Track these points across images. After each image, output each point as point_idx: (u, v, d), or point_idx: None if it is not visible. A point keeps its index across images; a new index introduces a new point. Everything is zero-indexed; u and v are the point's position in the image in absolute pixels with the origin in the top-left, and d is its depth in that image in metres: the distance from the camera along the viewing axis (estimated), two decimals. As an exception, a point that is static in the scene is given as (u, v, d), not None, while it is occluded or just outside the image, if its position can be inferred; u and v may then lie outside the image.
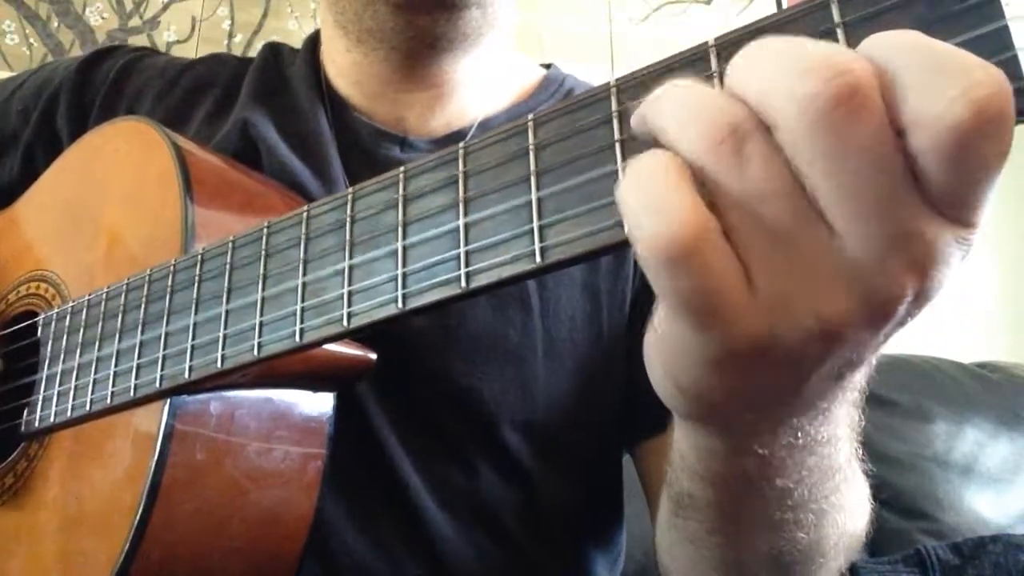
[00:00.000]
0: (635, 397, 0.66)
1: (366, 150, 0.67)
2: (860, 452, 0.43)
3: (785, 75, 0.23)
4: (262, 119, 0.67)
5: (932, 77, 0.22)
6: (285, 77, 0.73)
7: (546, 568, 0.65)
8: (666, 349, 0.29)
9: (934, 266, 0.24)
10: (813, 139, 0.23)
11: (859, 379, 0.32)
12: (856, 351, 0.27)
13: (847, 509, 0.44)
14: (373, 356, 0.55)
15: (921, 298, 0.25)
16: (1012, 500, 1.30)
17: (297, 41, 0.78)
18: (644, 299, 0.67)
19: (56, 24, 1.67)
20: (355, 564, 0.59)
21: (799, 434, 0.33)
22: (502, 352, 0.62)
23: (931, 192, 0.24)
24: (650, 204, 0.24)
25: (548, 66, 0.77)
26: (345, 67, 0.70)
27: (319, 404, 0.53)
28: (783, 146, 0.24)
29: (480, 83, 0.70)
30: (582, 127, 0.30)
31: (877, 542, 1.19)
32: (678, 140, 0.25)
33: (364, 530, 0.59)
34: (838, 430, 0.36)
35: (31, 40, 1.66)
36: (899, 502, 1.24)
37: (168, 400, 0.46)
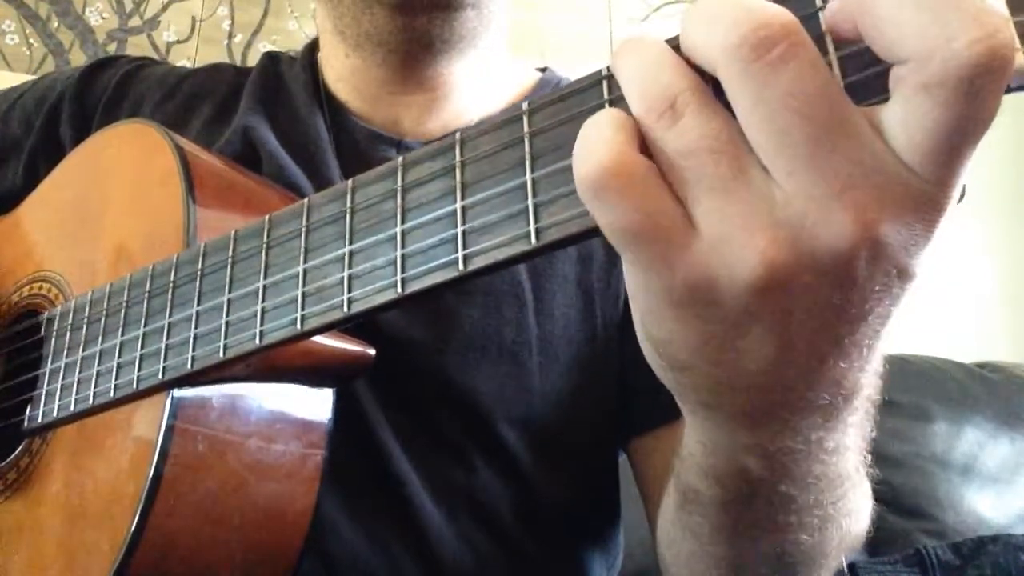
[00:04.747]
0: (630, 394, 0.66)
1: (363, 154, 0.68)
2: (868, 459, 0.42)
3: (718, 28, 0.25)
4: (262, 125, 0.68)
5: (952, 13, 0.23)
6: (284, 83, 0.73)
7: (543, 566, 0.65)
8: (634, 298, 0.30)
9: (886, 220, 0.25)
10: (743, 87, 0.25)
11: (861, 381, 0.31)
12: (819, 318, 0.27)
13: (852, 513, 0.44)
14: (372, 351, 0.56)
15: (883, 260, 0.25)
16: (1012, 500, 1.30)
17: (297, 41, 0.79)
18: None
19: (56, 24, 1.68)
20: (352, 560, 0.59)
21: (799, 438, 0.33)
22: (497, 349, 0.63)
23: (904, 136, 0.24)
24: (583, 146, 0.27)
25: (544, 69, 0.78)
26: (343, 72, 0.71)
27: (319, 399, 0.54)
28: (728, 94, 0.26)
29: (476, 85, 0.70)
30: (575, 113, 0.31)
31: (877, 542, 1.18)
32: (633, 107, 0.28)
33: (361, 527, 0.60)
34: (845, 439, 0.35)
35: (31, 40, 1.67)
36: (899, 502, 1.24)
37: (170, 392, 0.46)
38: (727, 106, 0.26)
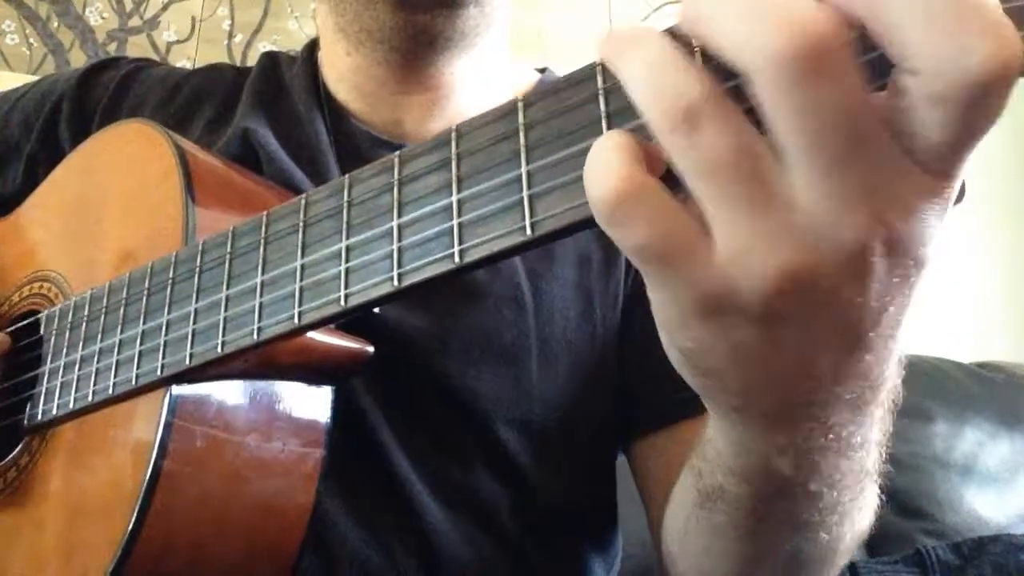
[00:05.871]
0: (629, 396, 0.66)
1: (364, 157, 0.68)
2: (884, 455, 0.42)
3: (758, 29, 0.24)
4: (262, 127, 0.68)
5: (965, 28, 0.22)
6: (284, 84, 0.73)
7: (542, 565, 0.65)
8: (657, 311, 0.30)
9: (902, 218, 0.25)
10: (781, 94, 0.24)
11: (885, 372, 0.31)
12: (845, 314, 0.27)
13: (864, 509, 0.44)
14: (370, 349, 0.56)
15: (898, 252, 0.26)
16: (1012, 500, 1.30)
17: (297, 42, 0.79)
18: (636, 299, 0.68)
19: (56, 24, 1.68)
20: (352, 557, 0.59)
21: (831, 435, 0.33)
22: (497, 352, 0.63)
23: (915, 140, 0.24)
24: (593, 173, 0.27)
25: (543, 70, 0.78)
26: (344, 72, 0.71)
27: (318, 397, 0.54)
28: (757, 101, 0.25)
29: (476, 85, 0.70)
30: (570, 105, 0.31)
31: (877, 542, 1.19)
32: (645, 111, 0.27)
33: (361, 524, 0.60)
34: (871, 434, 0.35)
35: (31, 40, 1.67)
36: (899, 502, 1.24)
37: (169, 388, 0.46)
38: (742, 111, 0.26)
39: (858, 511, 0.43)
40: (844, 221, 0.25)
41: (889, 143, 0.25)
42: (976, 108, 0.23)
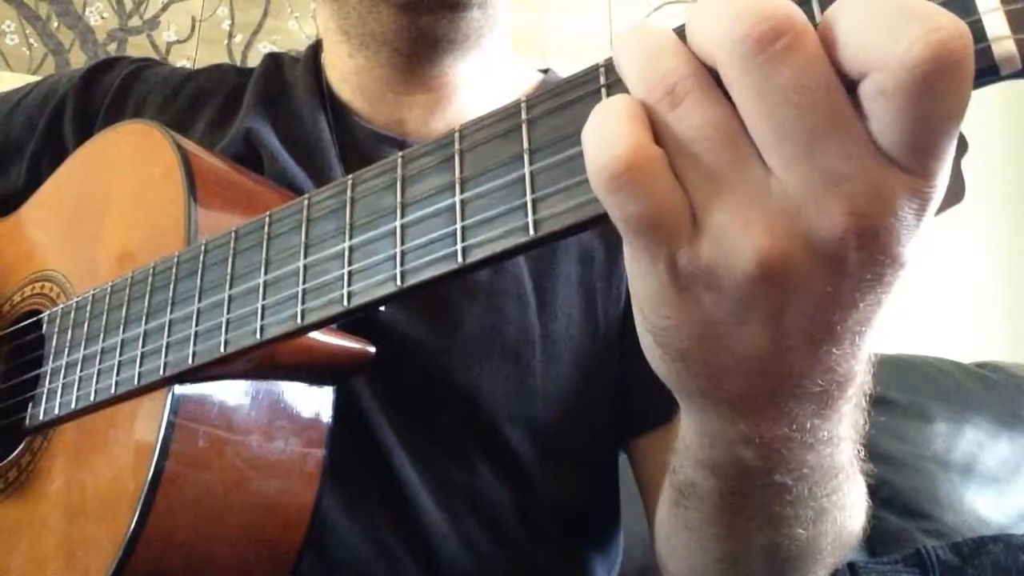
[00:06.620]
0: (630, 393, 0.66)
1: (366, 155, 0.68)
2: (862, 452, 0.43)
3: (722, 22, 0.25)
4: (264, 127, 0.68)
5: (894, 20, 0.23)
6: (287, 85, 0.73)
7: (543, 566, 0.65)
8: (635, 287, 0.31)
9: (877, 211, 0.25)
10: (745, 80, 0.25)
11: (854, 368, 0.31)
12: (815, 305, 0.28)
13: (847, 507, 0.44)
14: (372, 349, 0.56)
15: (873, 248, 0.26)
16: (1012, 500, 1.30)
17: (297, 41, 0.79)
18: None
19: (56, 24, 1.68)
20: (352, 559, 0.59)
21: (794, 426, 0.33)
22: (500, 350, 0.63)
23: (881, 136, 0.25)
24: (600, 137, 0.27)
25: (546, 71, 0.78)
26: (347, 72, 0.71)
27: (319, 397, 0.54)
28: (729, 88, 0.26)
29: (479, 86, 0.70)
30: (572, 105, 0.31)
31: (877, 542, 1.19)
32: (632, 89, 0.28)
33: (361, 526, 0.60)
34: (839, 429, 0.36)
35: (31, 40, 1.67)
36: (899, 502, 1.24)
37: (171, 388, 0.46)
38: (728, 96, 0.26)
39: (839, 509, 0.43)
40: (818, 210, 0.25)
41: (862, 133, 0.25)
42: (925, 98, 0.23)
